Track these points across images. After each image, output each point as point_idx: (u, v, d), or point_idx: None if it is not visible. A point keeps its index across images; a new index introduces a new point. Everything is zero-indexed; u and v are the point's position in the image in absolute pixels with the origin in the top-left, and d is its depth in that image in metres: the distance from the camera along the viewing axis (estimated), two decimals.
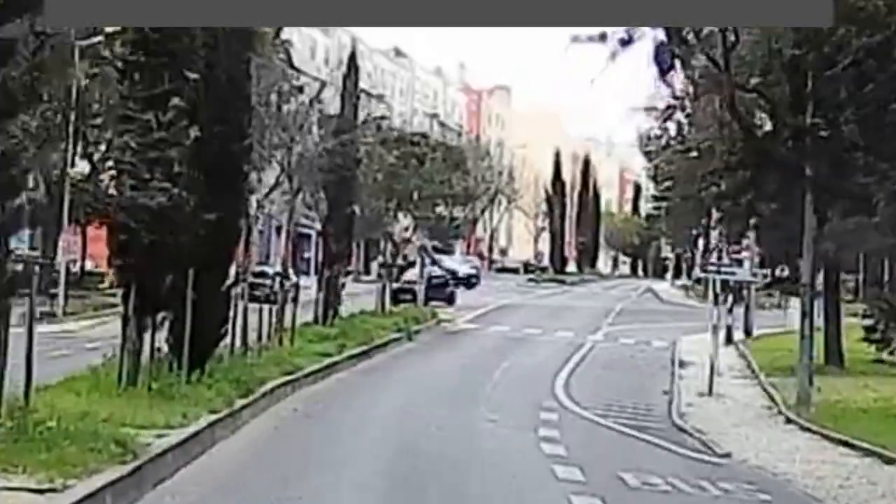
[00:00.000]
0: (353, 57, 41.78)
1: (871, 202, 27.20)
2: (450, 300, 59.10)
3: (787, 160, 26.40)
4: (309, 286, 43.86)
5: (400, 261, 64.19)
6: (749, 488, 17.34)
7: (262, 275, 51.07)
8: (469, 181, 62.07)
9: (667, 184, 79.95)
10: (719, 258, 37.75)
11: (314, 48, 77.00)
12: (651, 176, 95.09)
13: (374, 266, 69.40)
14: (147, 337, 18.86)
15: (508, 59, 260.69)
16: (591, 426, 23.91)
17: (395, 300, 49.46)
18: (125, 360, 18.22)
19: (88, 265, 58.37)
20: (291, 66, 47.69)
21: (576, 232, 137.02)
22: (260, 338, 27.18)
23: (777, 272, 48.35)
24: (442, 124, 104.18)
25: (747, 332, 47.16)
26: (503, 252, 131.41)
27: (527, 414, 24.46)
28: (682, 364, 36.89)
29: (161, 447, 14.35)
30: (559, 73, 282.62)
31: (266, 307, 28.63)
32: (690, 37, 26.67)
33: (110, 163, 15.61)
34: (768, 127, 28.23)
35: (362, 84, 43.82)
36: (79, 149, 45.91)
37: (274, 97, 41.32)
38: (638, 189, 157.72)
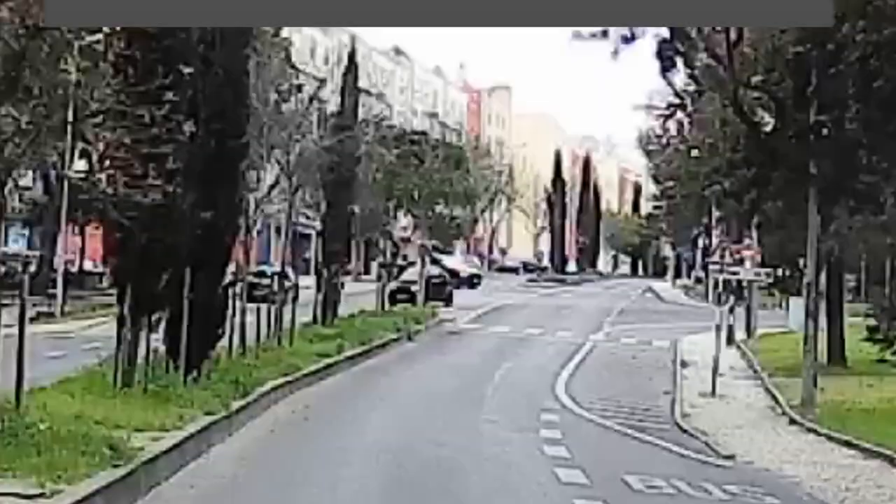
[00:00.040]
0: (352, 54, 41.56)
1: (878, 201, 26.92)
2: (448, 300, 58.84)
3: (791, 158, 26.13)
4: (309, 286, 43.56)
5: (400, 261, 63.99)
6: (755, 491, 17.04)
7: (262, 275, 50.85)
8: (469, 180, 61.74)
9: (668, 183, 79.69)
10: (723, 257, 37.51)
11: (314, 48, 76.71)
12: (652, 175, 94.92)
13: (375, 266, 69.11)
14: (143, 337, 18.57)
15: (508, 59, 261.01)
16: (594, 427, 23.62)
17: (393, 300, 49.17)
18: (120, 361, 17.92)
19: (88, 265, 58.19)
20: (291, 65, 47.40)
21: (576, 231, 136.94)
22: (258, 338, 26.91)
23: (778, 272, 48.05)
24: (442, 124, 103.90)
25: (749, 332, 46.91)
26: (503, 252, 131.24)
27: (528, 415, 24.19)
28: (683, 364, 36.63)
29: (155, 451, 14.02)
30: (559, 72, 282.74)
31: (265, 307, 28.42)
32: (693, 33, 26.47)
33: (107, 161, 15.33)
34: (771, 125, 27.97)
35: (362, 83, 43.56)
36: (77, 147, 45.64)
37: (273, 96, 41.00)
38: (638, 189, 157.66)
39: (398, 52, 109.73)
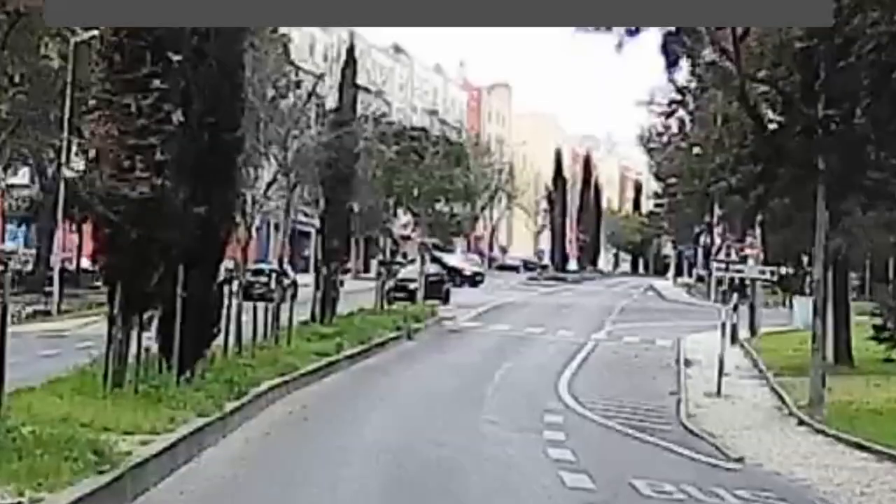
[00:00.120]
0: (351, 48, 41.06)
1: (890, 197, 26.41)
2: (445, 299, 58.39)
3: (798, 154, 25.61)
4: (308, 284, 43.14)
5: (400, 258, 63.54)
6: (767, 496, 16.49)
7: (260, 272, 50.47)
8: (470, 176, 61.27)
9: (670, 180, 79.34)
10: (728, 255, 37.03)
11: (313, 44, 76.21)
12: (654, 173, 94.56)
13: (375, 264, 68.71)
14: (136, 336, 18.00)
15: (508, 57, 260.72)
16: (598, 428, 23.08)
17: (390, 299, 48.63)
18: (111, 361, 17.35)
19: (85, 263, 57.73)
20: (289, 61, 46.98)
21: (577, 229, 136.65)
22: (255, 337, 26.40)
23: (781, 270, 47.65)
24: (442, 121, 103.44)
25: (752, 331, 46.49)
26: (503, 250, 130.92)
27: (530, 416, 23.66)
28: (687, 363, 36.23)
29: (143, 455, 13.42)
30: (559, 71, 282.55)
31: (263, 305, 27.94)
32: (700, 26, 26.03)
33: (92, 152, 14.81)
34: (777, 121, 27.47)
35: (361, 80, 43.09)
36: (74, 143, 45.24)
37: (271, 92, 40.57)
38: (639, 187, 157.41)
39: (398, 49, 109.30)
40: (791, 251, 47.92)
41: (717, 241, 69.88)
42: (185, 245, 18.36)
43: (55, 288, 45.28)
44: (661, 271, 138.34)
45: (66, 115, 41.45)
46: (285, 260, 52.28)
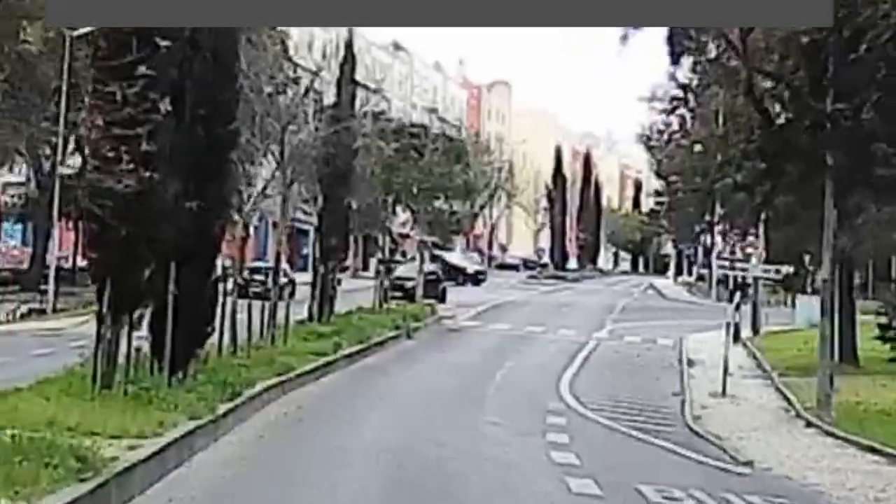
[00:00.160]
0: (349, 43, 40.53)
1: None
2: (441, 297, 57.92)
3: (806, 149, 25.07)
4: (307, 283, 42.62)
5: (399, 257, 63.00)
6: (779, 502, 15.94)
7: (257, 271, 49.96)
8: (470, 174, 60.74)
9: (671, 178, 78.93)
10: (733, 253, 36.52)
11: (311, 41, 75.69)
12: (654, 171, 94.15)
13: (373, 262, 68.23)
14: (126, 336, 17.42)
15: (508, 55, 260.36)
16: (602, 430, 22.52)
17: (386, 297, 48.08)
18: (99, 362, 16.77)
19: (82, 261, 57.21)
20: (288, 57, 46.44)
21: (577, 228, 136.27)
22: (250, 336, 25.86)
23: (783, 269, 47.18)
24: (441, 119, 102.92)
25: (755, 330, 46.06)
26: (503, 248, 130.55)
27: (533, 417, 23.11)
28: (690, 363, 35.77)
29: (130, 460, 12.84)
30: (559, 69, 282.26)
31: (259, 304, 27.43)
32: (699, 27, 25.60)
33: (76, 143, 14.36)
34: (783, 116, 26.95)
35: (360, 77, 42.54)
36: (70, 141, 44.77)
37: (268, 88, 40.03)
38: (639, 185, 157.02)
39: (397, 47, 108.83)
40: (794, 250, 47.40)
41: (718, 239, 69.41)
42: (177, 241, 17.78)
43: (51, 286, 44.81)
44: (661, 270, 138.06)
45: (63, 110, 41.06)
46: (283, 258, 51.73)
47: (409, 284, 54.31)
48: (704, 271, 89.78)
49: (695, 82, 45.62)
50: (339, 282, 40.08)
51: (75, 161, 46.05)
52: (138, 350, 17.94)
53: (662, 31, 26.48)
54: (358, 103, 41.08)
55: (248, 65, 27.39)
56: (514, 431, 20.96)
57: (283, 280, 39.85)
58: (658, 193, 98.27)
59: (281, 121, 32.72)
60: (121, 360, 17.32)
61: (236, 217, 30.90)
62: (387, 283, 48.78)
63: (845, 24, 23.25)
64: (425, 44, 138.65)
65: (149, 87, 14.65)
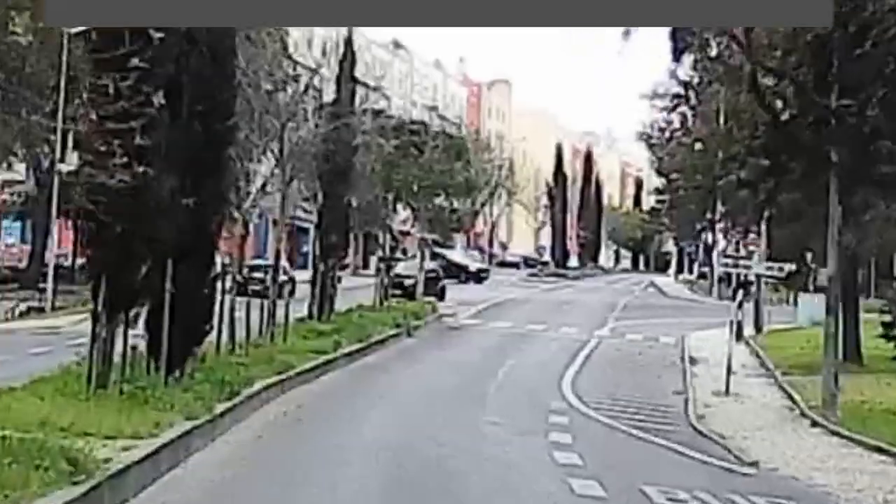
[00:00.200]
0: (349, 40, 40.27)
1: None
2: (440, 295, 57.68)
3: (810, 145, 24.80)
4: (307, 280, 42.39)
5: (399, 254, 62.79)
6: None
7: (257, 268, 49.71)
8: (470, 171, 60.45)
9: (672, 176, 78.61)
10: (737, 251, 36.24)
11: (311, 39, 75.49)
12: (655, 168, 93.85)
13: (374, 260, 68.02)
14: (122, 334, 17.14)
15: (508, 53, 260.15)
16: (604, 430, 22.26)
17: (387, 295, 47.83)
18: (95, 361, 16.50)
19: (81, 259, 56.97)
20: (287, 54, 46.19)
21: (577, 226, 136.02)
22: (248, 335, 25.60)
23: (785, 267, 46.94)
24: (441, 117, 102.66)
25: (758, 328, 45.82)
26: (503, 246, 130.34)
27: (534, 416, 22.85)
28: (693, 361, 35.51)
29: (124, 462, 12.56)
30: (559, 67, 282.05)
31: (258, 302, 27.18)
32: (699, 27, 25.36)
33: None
34: (787, 113, 26.68)
35: (360, 75, 42.28)
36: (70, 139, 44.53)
37: (268, 86, 39.79)
38: (640, 183, 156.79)
39: (397, 45, 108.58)
40: (796, 247, 47.16)
41: (720, 237, 69.15)
42: (174, 238, 17.52)
43: (49, 284, 44.58)
44: (662, 268, 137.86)
45: (60, 106, 40.79)
46: (283, 256, 51.50)
47: (408, 282, 54.08)
48: (706, 269, 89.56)
49: (696, 80, 45.44)
50: (340, 279, 39.84)
51: (74, 158, 45.87)
52: (134, 349, 17.65)
53: (664, 29, 26.28)
54: (358, 100, 40.83)
55: (247, 62, 27.18)
56: (515, 430, 20.73)
57: (282, 278, 39.64)
58: (659, 191, 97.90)
59: (280, 118, 32.53)
60: (117, 359, 17.06)
61: (236, 214, 30.70)
62: (387, 280, 48.56)
63: (850, 19, 22.99)
64: (425, 42, 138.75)
65: (142, 80, 14.36)
